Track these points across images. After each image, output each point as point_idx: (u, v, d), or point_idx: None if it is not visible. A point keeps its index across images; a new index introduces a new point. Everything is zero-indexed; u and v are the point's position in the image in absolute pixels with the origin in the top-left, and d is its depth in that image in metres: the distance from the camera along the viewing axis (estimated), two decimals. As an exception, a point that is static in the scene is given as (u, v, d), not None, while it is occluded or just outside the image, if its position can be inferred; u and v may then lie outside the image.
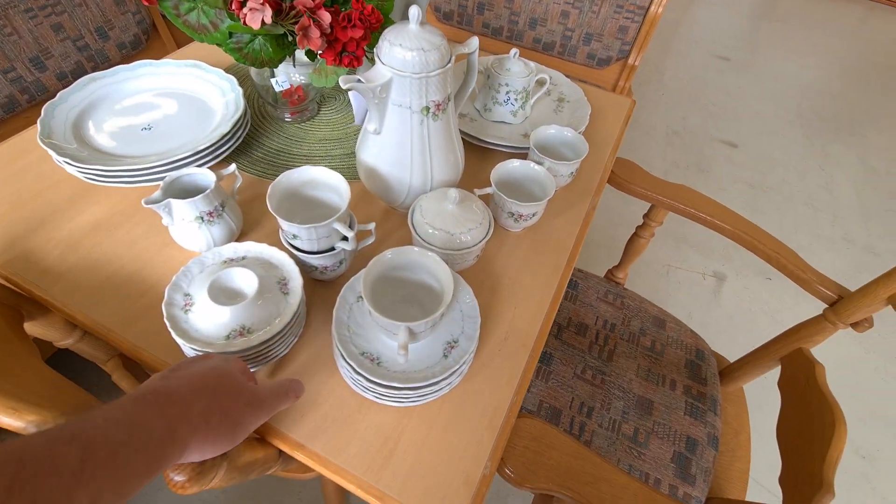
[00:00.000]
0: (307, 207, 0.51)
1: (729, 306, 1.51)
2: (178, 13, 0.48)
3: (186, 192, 0.50)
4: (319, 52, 0.49)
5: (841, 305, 0.65)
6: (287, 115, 0.71)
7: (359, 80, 0.45)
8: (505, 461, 0.47)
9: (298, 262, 0.48)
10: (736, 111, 2.36)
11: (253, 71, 0.65)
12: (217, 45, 0.50)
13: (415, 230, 0.51)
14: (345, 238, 0.47)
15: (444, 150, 0.53)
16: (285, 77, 0.64)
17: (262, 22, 0.43)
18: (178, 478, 0.29)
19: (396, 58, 0.45)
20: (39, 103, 1.16)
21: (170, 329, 0.41)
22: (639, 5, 1.33)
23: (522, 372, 0.48)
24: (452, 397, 0.45)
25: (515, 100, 0.70)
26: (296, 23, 0.45)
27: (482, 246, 0.52)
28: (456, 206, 0.50)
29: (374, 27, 0.48)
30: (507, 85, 0.69)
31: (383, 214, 0.60)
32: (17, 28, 1.06)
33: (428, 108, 0.49)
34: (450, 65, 0.47)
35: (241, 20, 0.43)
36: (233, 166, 0.52)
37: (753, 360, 0.78)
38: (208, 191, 0.48)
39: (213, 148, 0.58)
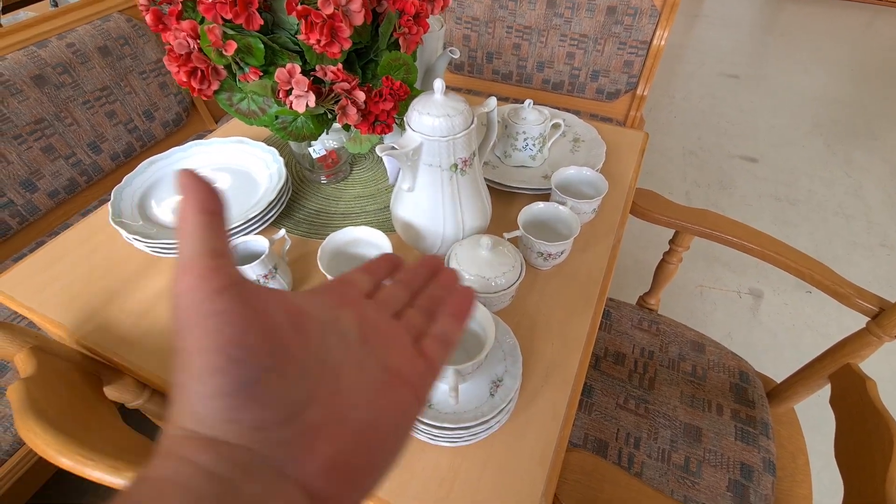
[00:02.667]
0: (352, 263, 0.55)
1: (770, 324, 1.47)
2: (231, 103, 0.54)
3: (243, 258, 0.55)
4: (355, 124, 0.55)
5: (884, 318, 0.65)
6: (323, 177, 0.77)
7: (393, 148, 0.50)
8: (559, 497, 0.48)
9: (347, 315, 0.52)
10: (751, 126, 2.37)
11: (292, 143, 0.71)
12: (264, 126, 0.56)
13: (452, 277, 0.54)
14: (389, 290, 0.51)
15: (473, 199, 0.57)
16: (321, 145, 0.71)
17: (307, 105, 0.49)
18: None
19: (425, 125, 0.50)
20: (96, 183, 1.27)
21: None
22: (641, 40, 1.39)
23: (567, 406, 0.49)
24: (502, 436, 0.47)
25: (533, 145, 0.75)
26: (334, 102, 0.51)
27: (516, 287, 0.55)
28: (489, 252, 0.54)
29: (403, 98, 0.54)
30: (524, 132, 0.73)
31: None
32: (76, 119, 1.19)
33: (456, 165, 0.53)
34: (473, 126, 0.52)
35: (288, 105, 0.50)
36: (282, 231, 0.57)
37: (801, 380, 0.77)
38: (263, 256, 0.53)
39: (261, 215, 0.64)
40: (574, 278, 0.62)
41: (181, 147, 0.75)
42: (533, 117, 0.73)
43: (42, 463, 0.82)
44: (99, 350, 0.55)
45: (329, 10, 0.44)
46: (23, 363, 0.47)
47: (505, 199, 0.73)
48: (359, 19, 0.46)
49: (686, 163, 2.16)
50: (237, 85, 0.53)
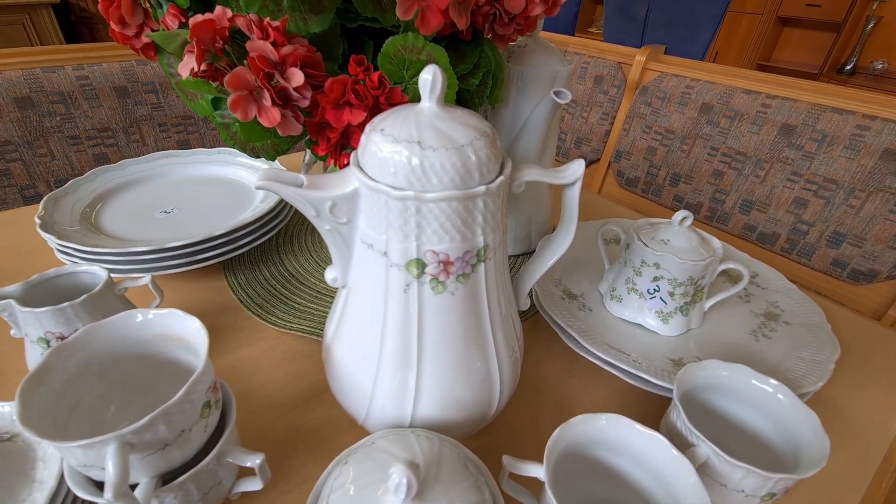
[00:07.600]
0: (165, 381, 0.28)
1: None
2: (172, 72, 0.36)
3: (53, 294, 0.33)
4: (312, 141, 0.30)
5: None
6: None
7: (301, 184, 0.23)
8: None
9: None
10: None
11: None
12: (207, 115, 0.36)
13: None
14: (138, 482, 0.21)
15: (454, 353, 0.25)
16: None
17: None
18: None
19: (372, 154, 0.22)
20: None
21: None
22: (939, 207, 0.88)
23: None
24: None
25: (671, 294, 0.39)
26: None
27: None
28: (404, 505, 0.20)
29: (386, 107, 0.27)
30: (656, 266, 0.38)
31: (347, 426, 0.33)
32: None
33: (421, 265, 0.23)
34: (481, 188, 0.22)
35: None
36: (146, 277, 0.34)
37: None
38: (67, 304, 0.30)
39: (195, 249, 0.43)
40: None
41: (207, 150, 0.61)
42: (684, 244, 0.38)
43: None
44: None
45: None
46: None
47: (584, 374, 0.38)
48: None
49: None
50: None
